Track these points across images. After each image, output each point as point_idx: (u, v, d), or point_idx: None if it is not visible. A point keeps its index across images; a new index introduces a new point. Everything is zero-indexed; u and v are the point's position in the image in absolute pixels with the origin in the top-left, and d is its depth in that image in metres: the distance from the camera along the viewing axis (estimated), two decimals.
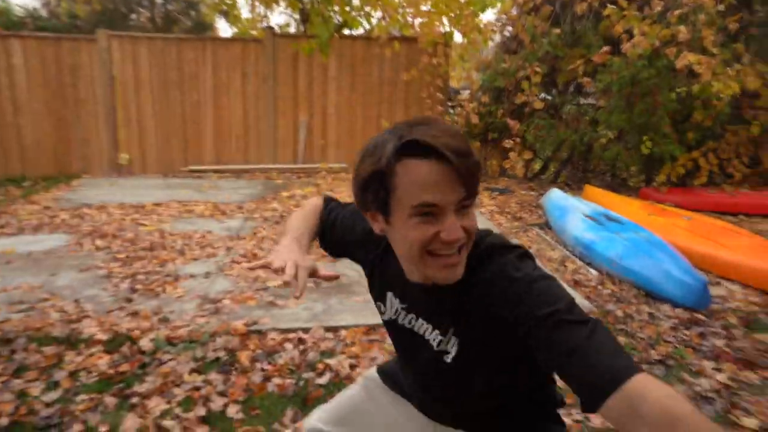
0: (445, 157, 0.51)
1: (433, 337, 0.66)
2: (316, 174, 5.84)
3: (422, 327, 0.68)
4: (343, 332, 2.03)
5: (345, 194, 4.75)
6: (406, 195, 0.54)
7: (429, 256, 0.56)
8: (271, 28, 5.98)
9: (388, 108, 5.98)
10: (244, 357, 1.82)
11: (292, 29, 7.11)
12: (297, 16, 6.69)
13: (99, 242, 3.21)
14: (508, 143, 5.12)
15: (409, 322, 0.70)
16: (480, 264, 0.59)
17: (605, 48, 4.51)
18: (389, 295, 0.72)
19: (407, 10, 5.76)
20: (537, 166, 6.05)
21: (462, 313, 0.61)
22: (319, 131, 6.01)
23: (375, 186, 0.56)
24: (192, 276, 2.66)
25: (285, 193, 4.88)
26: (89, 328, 1.99)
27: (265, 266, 0.64)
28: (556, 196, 3.94)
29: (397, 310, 0.72)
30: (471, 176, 0.53)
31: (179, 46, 5.70)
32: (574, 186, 5.29)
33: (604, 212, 3.34)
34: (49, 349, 1.83)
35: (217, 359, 1.82)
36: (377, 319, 0.87)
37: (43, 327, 1.99)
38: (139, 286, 2.48)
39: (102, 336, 1.92)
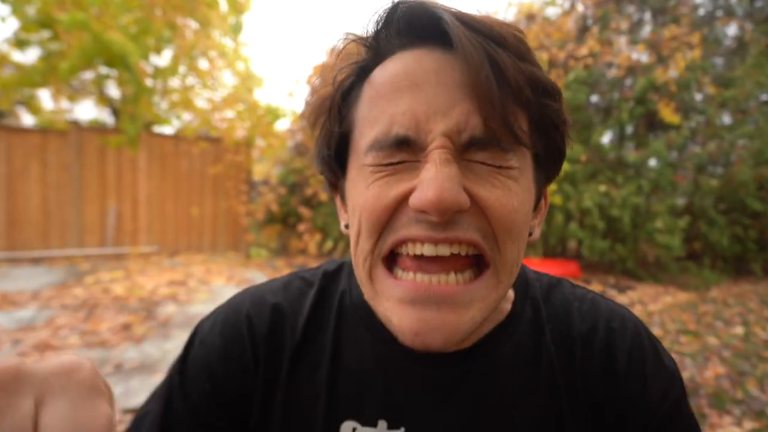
0: (448, 35, 0.31)
1: None
2: (126, 258, 5.92)
3: None
4: None
5: (154, 278, 4.66)
6: (363, 126, 0.35)
7: (384, 270, 0.34)
8: (76, 121, 6.08)
9: (198, 197, 6.60)
10: None
11: (108, 119, 7.42)
12: (108, 113, 7.29)
13: None
14: (301, 227, 5.84)
15: None
16: (547, 304, 0.44)
17: None
18: (349, 426, 0.41)
19: (214, 115, 6.66)
20: (329, 244, 6.47)
21: (548, 400, 0.40)
22: (130, 217, 6.22)
23: (327, 121, 0.37)
24: None
25: (90, 279, 4.60)
26: None
27: None
28: None
29: None
30: (507, 93, 0.31)
31: None
32: None
33: None
34: None
35: None
36: None
37: None
38: None
39: None
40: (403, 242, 0.32)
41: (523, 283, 0.46)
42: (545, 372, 0.41)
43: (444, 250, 0.32)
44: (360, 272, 0.36)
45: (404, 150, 0.33)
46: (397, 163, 0.33)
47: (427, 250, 0.32)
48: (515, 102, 0.32)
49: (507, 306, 0.44)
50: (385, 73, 0.34)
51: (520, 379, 0.41)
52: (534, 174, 0.37)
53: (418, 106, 0.32)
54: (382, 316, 0.34)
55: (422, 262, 0.33)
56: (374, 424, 0.40)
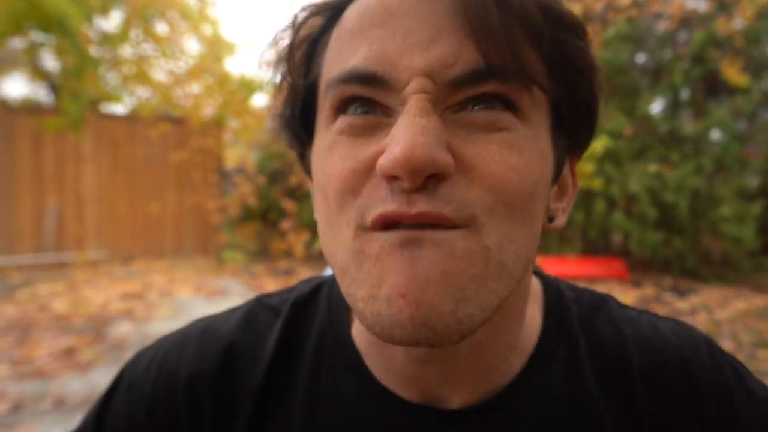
0: None
1: None
2: (70, 267, 5.80)
3: None
4: None
5: (104, 291, 4.61)
6: (327, 72, 0.34)
7: (367, 235, 0.31)
8: (3, 101, 5.99)
9: (158, 190, 6.49)
10: None
11: (45, 97, 7.35)
12: (46, 89, 7.19)
13: None
14: (285, 225, 5.85)
15: None
16: (589, 335, 0.42)
17: None
18: None
19: (176, 91, 6.64)
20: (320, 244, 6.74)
21: None
22: (74, 217, 6.10)
23: (291, 74, 0.37)
24: None
25: (24, 293, 4.57)
26: None
27: None
28: None
29: None
30: (511, 19, 0.29)
31: None
32: None
33: None
34: None
35: None
36: None
37: None
38: None
39: None
40: (385, 221, 0.30)
41: (557, 308, 0.43)
42: (590, 429, 0.39)
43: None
44: (338, 254, 0.33)
45: (373, 89, 0.31)
46: (364, 110, 0.32)
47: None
48: (522, 31, 0.30)
49: (531, 340, 0.41)
50: (355, 7, 0.33)
51: None
52: (552, 135, 0.35)
53: (390, 38, 0.31)
54: (363, 298, 0.31)
55: None
56: None
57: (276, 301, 0.47)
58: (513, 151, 0.31)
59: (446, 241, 0.29)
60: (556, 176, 0.37)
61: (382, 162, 0.29)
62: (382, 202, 0.30)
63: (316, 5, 0.36)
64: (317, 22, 0.36)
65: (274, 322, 0.45)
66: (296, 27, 0.37)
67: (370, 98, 0.32)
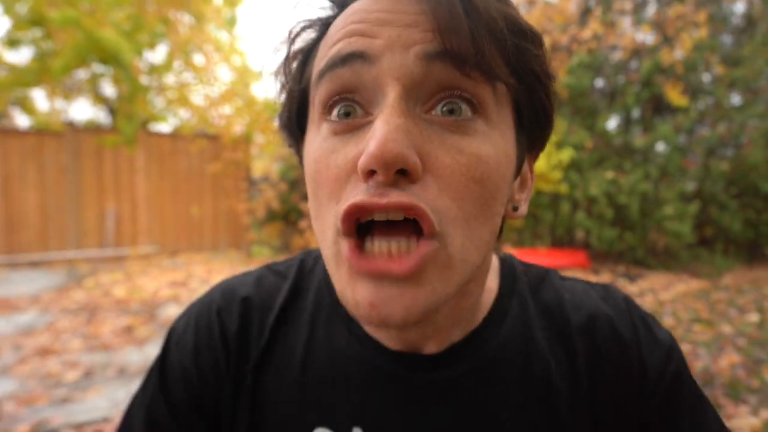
0: None
1: None
2: (126, 259, 5.93)
3: None
4: None
5: (155, 280, 4.72)
6: (315, 70, 0.33)
7: (343, 240, 0.30)
8: (71, 122, 6.07)
9: (197, 196, 6.57)
10: None
11: (104, 118, 7.46)
12: (105, 112, 7.32)
13: None
14: (303, 224, 5.87)
15: None
16: (535, 300, 0.43)
17: None
18: None
19: (211, 112, 6.68)
20: None
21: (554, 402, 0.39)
22: (129, 218, 6.22)
23: (287, 82, 0.36)
24: None
25: (90, 281, 4.65)
26: None
27: None
28: None
29: None
30: (477, 22, 0.28)
31: None
32: None
33: None
34: None
35: None
36: None
37: None
38: None
39: None
40: (355, 212, 0.29)
41: (511, 276, 0.44)
42: (538, 375, 0.39)
43: (396, 215, 0.28)
44: (323, 247, 0.33)
45: (352, 67, 0.29)
46: (346, 111, 0.30)
47: (378, 215, 0.29)
48: (488, 35, 0.28)
49: (489, 300, 0.42)
50: (340, 18, 0.32)
51: (509, 382, 0.39)
52: (515, 133, 0.33)
53: (366, 26, 0.29)
54: (338, 291, 0.31)
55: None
56: (348, 431, 0.39)
57: (282, 267, 0.48)
58: (481, 161, 0.29)
59: (409, 276, 0.28)
60: (518, 171, 0.36)
61: (361, 160, 0.28)
62: (354, 195, 0.28)
63: (308, 20, 0.36)
64: (310, 35, 0.35)
65: (281, 284, 0.45)
66: (291, 40, 0.36)
67: (351, 91, 0.30)
